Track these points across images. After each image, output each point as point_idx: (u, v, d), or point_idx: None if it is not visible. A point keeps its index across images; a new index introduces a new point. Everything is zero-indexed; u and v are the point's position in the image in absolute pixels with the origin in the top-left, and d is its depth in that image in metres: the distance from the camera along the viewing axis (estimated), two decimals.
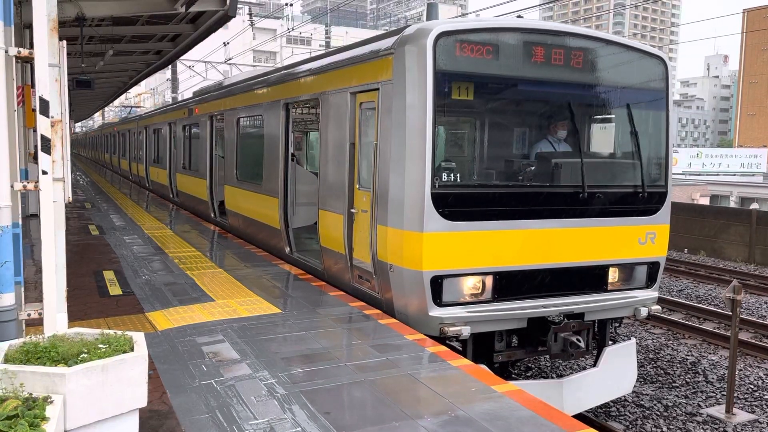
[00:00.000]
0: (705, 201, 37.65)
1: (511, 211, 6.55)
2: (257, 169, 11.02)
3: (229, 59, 35.51)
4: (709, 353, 10.52)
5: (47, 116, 3.94)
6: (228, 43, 34.30)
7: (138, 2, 11.06)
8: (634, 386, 8.54)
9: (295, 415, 4.27)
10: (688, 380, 9.34)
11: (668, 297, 13.97)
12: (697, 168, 57.06)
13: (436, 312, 6.33)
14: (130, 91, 38.95)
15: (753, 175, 54.12)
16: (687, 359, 10.14)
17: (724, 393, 8.64)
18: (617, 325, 7.94)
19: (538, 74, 6.69)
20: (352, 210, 7.45)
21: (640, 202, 7.31)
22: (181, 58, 21.20)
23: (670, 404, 8.46)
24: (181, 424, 4.14)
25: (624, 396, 8.43)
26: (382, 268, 6.74)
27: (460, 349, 6.67)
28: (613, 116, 7.41)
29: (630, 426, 7.92)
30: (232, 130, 12.45)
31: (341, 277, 7.89)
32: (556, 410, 4.49)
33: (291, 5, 39.41)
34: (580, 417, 7.66)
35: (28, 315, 4.34)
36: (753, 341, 10.85)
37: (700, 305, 13.26)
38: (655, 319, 11.91)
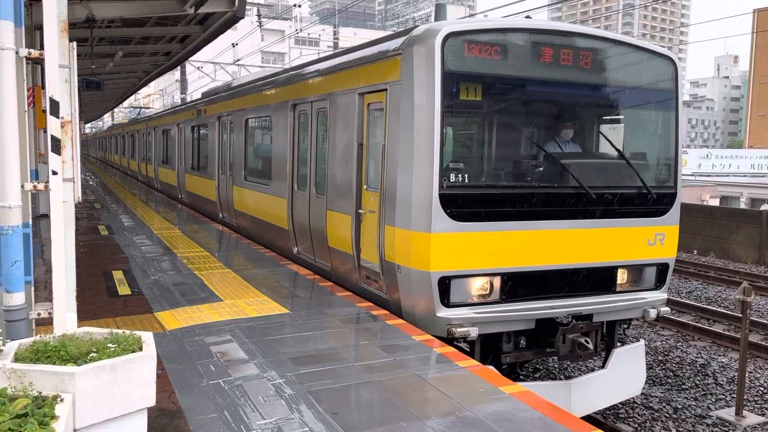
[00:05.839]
0: (715, 202, 37.40)
1: (519, 211, 6.54)
2: (265, 170, 11.05)
3: (238, 60, 35.62)
4: (719, 355, 10.46)
5: (57, 117, 3.97)
6: (236, 45, 34.41)
7: (147, 4, 11.12)
8: (643, 388, 8.49)
9: (302, 415, 4.27)
10: (697, 382, 9.28)
11: (678, 298, 13.89)
12: (706, 169, 56.66)
13: (444, 313, 6.32)
14: (139, 92, 39.15)
15: (763, 176, 53.69)
16: (696, 361, 10.08)
17: (734, 395, 8.58)
18: (626, 326, 7.90)
19: (546, 75, 6.67)
20: (360, 210, 7.46)
21: (649, 203, 7.27)
22: (190, 59, 21.29)
23: (680, 406, 8.41)
24: (189, 424, 4.15)
25: (633, 398, 8.39)
26: (390, 269, 6.74)
27: (468, 350, 6.66)
28: (621, 117, 7.38)
29: (639, 428, 7.88)
30: (240, 130, 12.49)
31: (349, 278, 7.90)
32: (565, 412, 4.48)
33: (299, 6, 39.49)
34: (589, 419, 7.63)
35: (38, 314, 4.36)
36: (763, 343, 10.77)
37: (710, 307, 13.18)
38: (665, 321, 11.84)
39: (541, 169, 6.89)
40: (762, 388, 9.06)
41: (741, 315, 8.12)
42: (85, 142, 70.49)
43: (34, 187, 4.12)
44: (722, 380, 9.33)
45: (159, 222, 14.36)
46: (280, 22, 74.41)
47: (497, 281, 6.53)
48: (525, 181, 6.86)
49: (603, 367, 7.38)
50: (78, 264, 4.70)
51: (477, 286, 6.49)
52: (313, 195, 8.90)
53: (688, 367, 9.83)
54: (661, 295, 7.52)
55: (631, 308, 7.31)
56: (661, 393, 8.92)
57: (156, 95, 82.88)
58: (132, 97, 47.62)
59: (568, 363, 9.66)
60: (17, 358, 3.31)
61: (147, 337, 3.63)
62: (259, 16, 37.23)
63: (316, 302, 7.27)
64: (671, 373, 9.63)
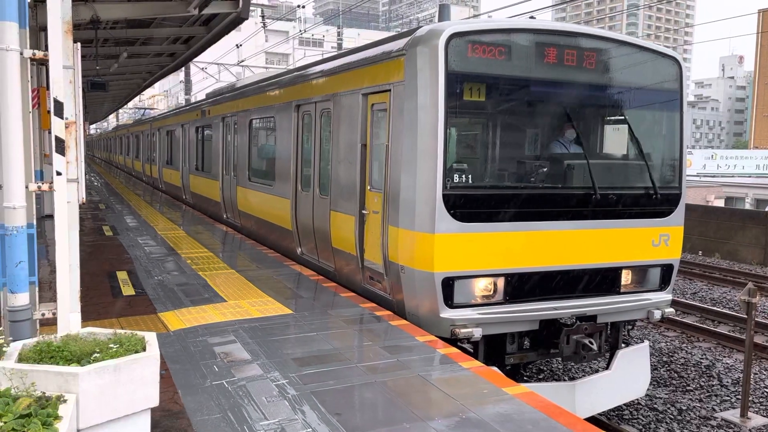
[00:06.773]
0: (720, 203, 37.30)
1: (523, 212, 6.53)
2: (269, 171, 11.06)
3: (242, 61, 35.68)
4: (724, 356, 10.42)
5: (61, 118, 3.98)
6: (241, 45, 34.49)
7: (152, 5, 11.14)
8: (648, 389, 8.46)
9: (305, 416, 4.27)
10: (702, 384, 9.25)
11: (682, 299, 13.85)
12: (711, 169, 56.54)
13: (448, 313, 6.31)
14: (143, 93, 39.26)
15: None
16: (701, 362, 10.04)
17: (739, 396, 8.55)
18: (630, 327, 7.88)
19: (550, 75, 6.66)
20: (364, 211, 7.46)
21: (654, 203, 7.25)
22: (194, 60, 21.36)
23: (684, 408, 8.38)
24: (193, 424, 4.16)
25: (637, 399, 8.36)
26: (394, 270, 6.74)
27: (472, 351, 6.65)
28: (626, 117, 7.37)
29: (643, 429, 7.86)
30: (244, 131, 12.51)
31: (352, 278, 7.90)
32: (569, 413, 4.47)
33: (303, 7, 39.52)
34: (593, 420, 7.61)
35: (42, 315, 4.37)
36: None
37: (715, 308, 13.13)
38: (669, 322, 11.81)
39: (544, 169, 6.88)
40: (767, 390, 9.02)
41: (746, 316, 8.09)
42: (89, 143, 70.72)
43: (39, 187, 4.13)
44: (727, 381, 9.30)
45: (163, 223, 14.39)
46: (284, 23, 74.54)
47: (501, 282, 6.52)
48: (528, 181, 6.85)
49: (607, 368, 7.36)
50: (82, 264, 4.71)
51: (481, 286, 6.48)
52: (316, 196, 8.90)
53: (692, 369, 9.80)
54: (665, 296, 7.50)
55: (635, 309, 7.29)
56: (666, 394, 8.89)
57: (160, 96, 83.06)
58: (137, 98, 47.76)
59: (572, 364, 9.64)
60: (21, 359, 3.32)
61: (150, 338, 3.64)
62: (263, 17, 37.29)
63: (319, 303, 7.27)
64: (676, 375, 9.59)
